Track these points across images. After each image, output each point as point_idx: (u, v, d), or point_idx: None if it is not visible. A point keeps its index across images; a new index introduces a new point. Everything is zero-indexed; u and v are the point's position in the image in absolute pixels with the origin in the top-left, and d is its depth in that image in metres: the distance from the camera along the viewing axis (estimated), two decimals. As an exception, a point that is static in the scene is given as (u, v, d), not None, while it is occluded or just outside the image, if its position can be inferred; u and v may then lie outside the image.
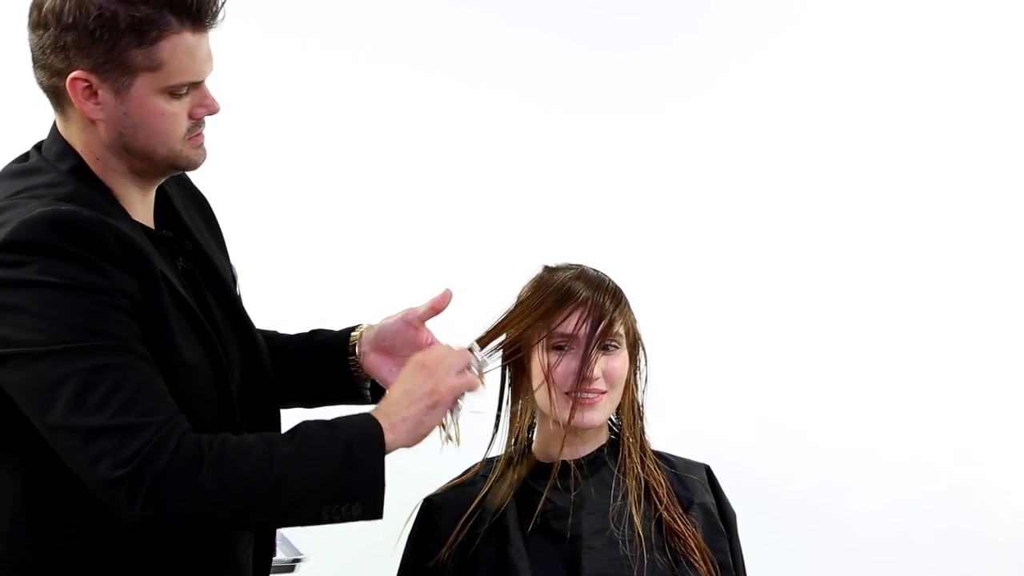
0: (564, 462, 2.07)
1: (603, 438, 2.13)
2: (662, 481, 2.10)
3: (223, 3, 1.67)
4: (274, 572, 1.95)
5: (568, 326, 2.03)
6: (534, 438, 2.13)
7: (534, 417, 2.11)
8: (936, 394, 3.04)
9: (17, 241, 1.55)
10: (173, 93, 1.66)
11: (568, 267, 2.11)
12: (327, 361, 1.98)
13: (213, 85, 1.72)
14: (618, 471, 2.09)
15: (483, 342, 2.01)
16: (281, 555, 2.49)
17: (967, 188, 3.10)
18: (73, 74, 1.63)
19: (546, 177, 3.07)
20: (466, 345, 1.86)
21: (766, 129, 3.11)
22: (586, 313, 2.03)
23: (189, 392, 1.66)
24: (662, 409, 2.19)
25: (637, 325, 2.12)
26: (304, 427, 1.65)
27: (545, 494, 2.05)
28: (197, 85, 1.69)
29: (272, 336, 1.98)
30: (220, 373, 1.72)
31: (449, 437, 1.87)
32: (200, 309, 1.72)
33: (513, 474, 2.09)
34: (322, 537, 1.96)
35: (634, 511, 2.04)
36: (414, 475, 1.98)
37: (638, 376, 2.13)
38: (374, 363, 1.95)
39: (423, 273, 2.89)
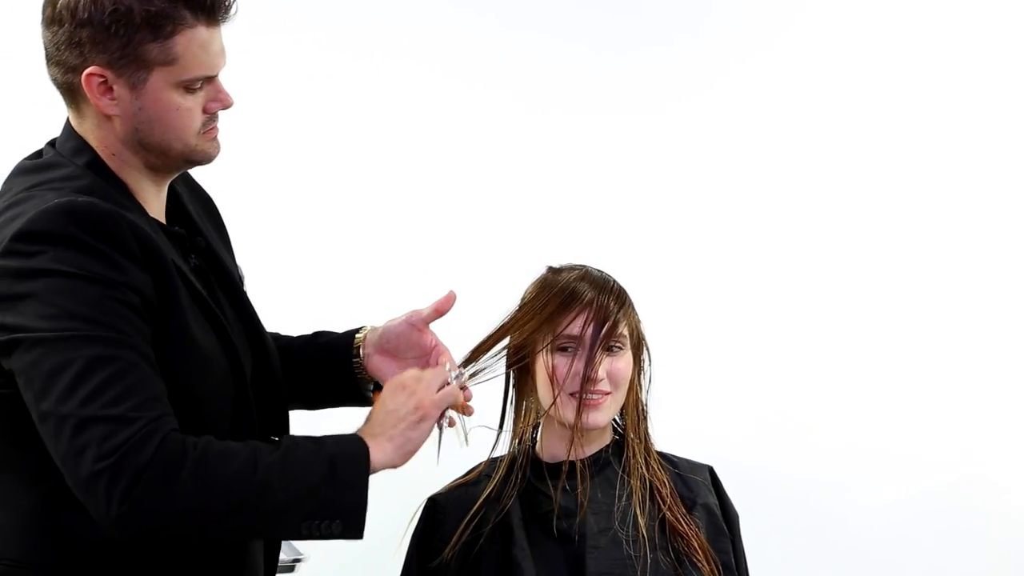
0: (569, 462, 2.07)
1: (607, 439, 2.13)
2: (666, 482, 2.10)
3: None
4: (273, 572, 1.94)
5: (573, 327, 2.03)
6: (538, 438, 2.14)
7: (538, 417, 2.12)
8: (937, 394, 3.04)
9: (33, 231, 1.56)
10: (188, 87, 1.66)
11: (572, 268, 2.12)
12: (330, 363, 1.97)
13: (216, 84, 1.72)
14: (622, 471, 2.09)
15: (472, 358, 2.01)
16: (281, 555, 2.49)
17: (967, 188, 3.10)
18: (88, 70, 1.63)
19: (549, 178, 3.07)
20: (448, 369, 1.84)
21: (767, 129, 3.12)
22: (591, 314, 2.03)
23: (207, 386, 1.66)
24: (665, 409, 2.19)
25: (641, 326, 2.12)
26: (289, 440, 1.64)
27: (550, 494, 2.06)
28: (211, 79, 1.69)
29: (275, 338, 1.98)
30: (236, 367, 1.72)
31: (466, 442, 1.87)
32: (214, 305, 1.72)
33: (517, 474, 2.09)
34: (323, 536, 1.95)
35: (638, 511, 2.04)
36: (416, 475, 1.97)
37: (642, 377, 2.13)
38: (378, 365, 1.95)
39: (426, 275, 2.89)
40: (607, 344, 2.04)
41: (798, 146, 3.11)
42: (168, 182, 1.77)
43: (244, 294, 1.82)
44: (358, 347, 1.96)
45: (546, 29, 3.14)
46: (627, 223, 3.06)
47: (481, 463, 2.16)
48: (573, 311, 2.04)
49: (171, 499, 1.51)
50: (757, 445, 2.98)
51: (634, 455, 2.10)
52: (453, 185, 3.04)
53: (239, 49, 1.88)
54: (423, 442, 1.75)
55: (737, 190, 3.11)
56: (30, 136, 1.85)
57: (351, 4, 3.08)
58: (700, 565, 2.04)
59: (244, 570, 1.77)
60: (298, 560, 2.58)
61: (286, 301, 2.14)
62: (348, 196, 3.00)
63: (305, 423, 1.93)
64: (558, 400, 2.04)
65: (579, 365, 2.02)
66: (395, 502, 2.01)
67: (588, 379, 2.02)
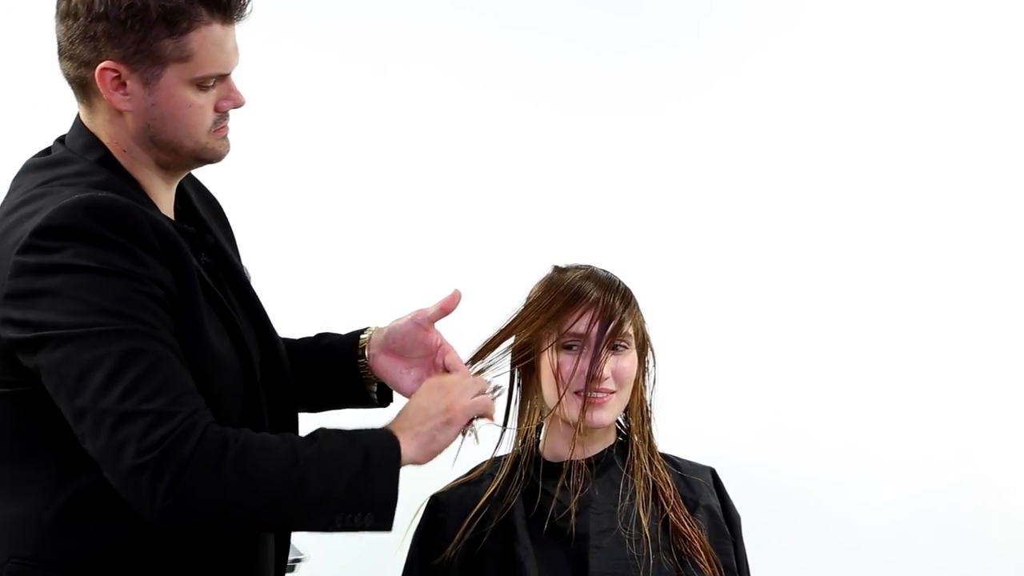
0: (572, 461, 2.07)
1: (611, 438, 2.13)
2: (669, 482, 2.10)
3: None
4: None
5: (579, 326, 2.04)
6: (542, 438, 2.14)
7: (542, 416, 2.12)
8: (937, 394, 3.04)
9: (54, 226, 1.55)
10: (201, 85, 1.66)
11: (578, 267, 2.12)
12: (335, 364, 1.97)
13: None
14: (626, 471, 2.09)
15: (478, 357, 2.03)
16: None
17: (967, 188, 3.10)
18: (102, 64, 1.62)
19: (552, 178, 3.07)
20: (488, 381, 1.87)
21: (769, 129, 3.12)
22: (596, 313, 2.04)
23: (218, 385, 1.65)
24: (667, 410, 2.19)
25: (646, 326, 2.12)
26: (323, 432, 1.65)
27: (553, 493, 2.06)
28: (223, 78, 1.69)
29: None
30: (247, 367, 1.72)
31: (476, 440, 1.88)
32: (228, 303, 1.72)
33: (521, 473, 2.09)
34: (323, 537, 1.94)
35: (641, 512, 2.04)
36: (418, 473, 1.97)
37: (646, 377, 2.13)
38: (384, 365, 1.95)
39: (429, 274, 2.89)
40: (612, 343, 2.04)
41: (800, 146, 3.11)
42: (178, 180, 1.77)
43: (254, 293, 1.82)
44: (363, 348, 1.96)
45: (546, 29, 3.14)
46: (628, 223, 3.06)
47: (484, 462, 2.16)
48: (579, 310, 2.04)
49: (215, 492, 1.51)
50: (757, 445, 2.98)
51: (638, 455, 2.10)
52: (457, 185, 3.03)
53: (253, 49, 1.89)
54: (449, 444, 1.77)
55: (739, 191, 3.11)
56: (33, 133, 1.85)
57: (351, 5, 3.07)
58: (702, 567, 2.04)
59: (255, 568, 1.76)
60: (298, 560, 2.58)
61: (289, 301, 2.13)
62: (350, 197, 2.99)
63: (306, 425, 1.93)
64: (563, 399, 2.04)
65: (584, 363, 2.03)
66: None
67: (593, 377, 2.02)
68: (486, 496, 2.08)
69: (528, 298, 2.11)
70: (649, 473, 2.09)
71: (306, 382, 1.94)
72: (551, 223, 3.00)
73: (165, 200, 1.74)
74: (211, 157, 1.73)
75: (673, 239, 3.07)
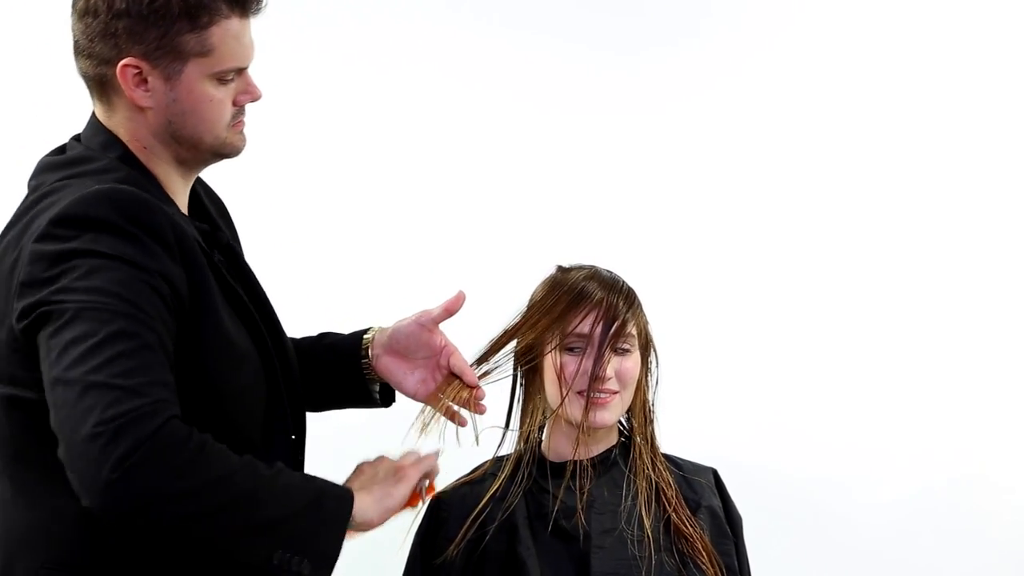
0: (575, 461, 2.08)
1: (613, 439, 2.14)
2: (671, 483, 2.11)
3: None
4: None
5: (582, 326, 2.04)
6: (544, 438, 2.14)
7: (545, 416, 2.12)
8: (937, 393, 3.04)
9: (71, 215, 1.55)
10: (221, 79, 1.67)
11: (581, 268, 2.12)
12: (338, 364, 1.97)
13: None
14: (629, 472, 2.09)
15: (484, 358, 2.03)
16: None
17: (967, 188, 3.10)
18: (124, 61, 1.62)
19: (554, 178, 3.06)
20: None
21: (770, 129, 3.11)
22: (600, 313, 2.04)
23: (241, 383, 1.65)
24: (668, 410, 2.19)
25: (649, 326, 2.13)
26: (283, 466, 1.60)
27: (555, 493, 2.06)
28: (241, 71, 1.70)
29: None
30: (268, 364, 1.72)
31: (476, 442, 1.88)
32: (248, 301, 1.72)
33: (523, 473, 2.09)
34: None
35: (643, 512, 2.05)
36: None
37: (649, 377, 2.13)
38: (387, 366, 1.94)
39: (433, 275, 2.88)
40: (615, 344, 2.05)
41: (801, 146, 3.11)
42: (194, 177, 1.77)
43: (263, 291, 1.81)
44: (366, 348, 1.95)
45: (547, 29, 3.13)
46: (631, 223, 3.06)
47: (486, 461, 2.16)
48: (582, 310, 2.04)
49: (164, 478, 1.46)
50: (758, 446, 2.98)
51: (640, 456, 2.11)
52: (458, 186, 3.03)
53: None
54: (402, 501, 1.73)
55: (740, 191, 3.10)
56: (33, 133, 1.85)
57: (351, 5, 3.07)
58: (704, 567, 2.04)
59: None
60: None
61: (290, 300, 2.12)
62: (351, 197, 2.99)
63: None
64: (566, 399, 2.04)
65: (587, 364, 2.03)
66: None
67: (596, 377, 2.02)
68: (488, 496, 2.08)
69: (531, 299, 2.11)
70: (652, 473, 2.09)
71: (309, 382, 1.93)
72: (554, 223, 3.00)
73: (182, 197, 1.75)
74: (230, 152, 1.73)
75: (675, 239, 3.07)
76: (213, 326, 1.62)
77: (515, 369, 2.10)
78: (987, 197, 3.10)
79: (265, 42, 2.64)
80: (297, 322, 2.04)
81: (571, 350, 2.05)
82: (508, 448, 2.15)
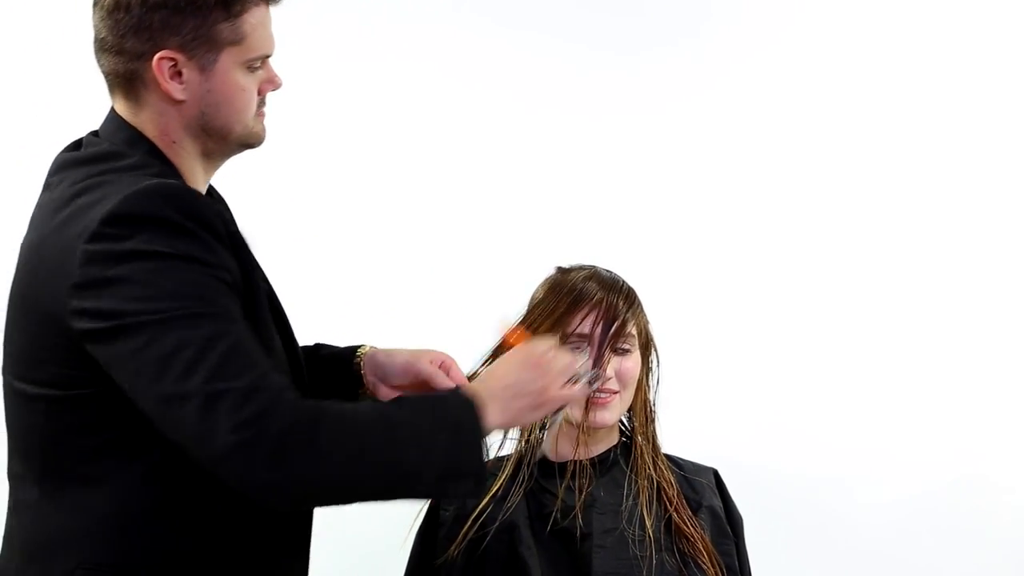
0: (576, 461, 2.08)
1: (614, 438, 2.14)
2: (672, 483, 2.11)
3: None
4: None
5: (583, 326, 2.04)
6: (545, 437, 2.14)
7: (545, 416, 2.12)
8: (937, 394, 3.04)
9: (123, 213, 1.52)
10: (251, 67, 1.68)
11: (581, 268, 2.13)
12: (338, 374, 1.94)
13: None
14: (630, 471, 2.10)
15: (490, 361, 1.99)
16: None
17: (967, 188, 3.10)
18: (159, 54, 1.62)
19: (553, 179, 3.06)
20: (580, 365, 1.76)
21: (771, 129, 3.11)
22: (600, 313, 2.04)
23: None
24: (668, 410, 2.19)
25: (649, 327, 2.13)
26: (407, 397, 1.62)
27: (556, 493, 2.06)
28: (265, 60, 1.70)
29: None
30: (296, 367, 1.72)
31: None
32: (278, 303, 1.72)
33: (524, 473, 2.10)
34: (325, 535, 1.94)
35: (645, 512, 2.05)
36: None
37: (650, 377, 2.14)
38: (373, 385, 1.91)
39: (431, 275, 2.88)
40: (616, 344, 2.05)
41: (801, 146, 3.11)
42: (215, 172, 1.76)
43: (275, 295, 1.79)
44: (358, 364, 1.93)
45: (546, 29, 3.13)
46: (631, 223, 3.06)
47: (488, 461, 2.15)
48: (583, 310, 2.05)
49: (315, 462, 1.46)
50: (759, 446, 2.98)
51: (641, 456, 2.11)
52: (458, 186, 3.03)
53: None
54: (528, 425, 1.73)
55: (740, 191, 3.10)
56: (34, 133, 1.85)
57: (351, 4, 3.07)
58: (705, 567, 2.04)
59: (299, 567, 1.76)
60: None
61: (291, 302, 2.12)
62: (350, 196, 2.99)
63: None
64: (566, 399, 2.04)
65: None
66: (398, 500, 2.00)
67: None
68: (489, 496, 2.08)
69: (532, 299, 2.12)
70: (653, 473, 2.10)
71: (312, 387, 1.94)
72: (554, 224, 3.00)
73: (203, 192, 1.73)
74: (255, 141, 1.73)
75: (675, 239, 3.07)
76: (263, 320, 1.62)
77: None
78: (987, 197, 3.10)
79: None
80: (297, 323, 2.03)
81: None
82: (509, 448, 2.15)
